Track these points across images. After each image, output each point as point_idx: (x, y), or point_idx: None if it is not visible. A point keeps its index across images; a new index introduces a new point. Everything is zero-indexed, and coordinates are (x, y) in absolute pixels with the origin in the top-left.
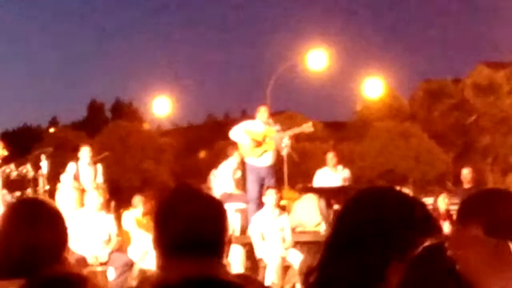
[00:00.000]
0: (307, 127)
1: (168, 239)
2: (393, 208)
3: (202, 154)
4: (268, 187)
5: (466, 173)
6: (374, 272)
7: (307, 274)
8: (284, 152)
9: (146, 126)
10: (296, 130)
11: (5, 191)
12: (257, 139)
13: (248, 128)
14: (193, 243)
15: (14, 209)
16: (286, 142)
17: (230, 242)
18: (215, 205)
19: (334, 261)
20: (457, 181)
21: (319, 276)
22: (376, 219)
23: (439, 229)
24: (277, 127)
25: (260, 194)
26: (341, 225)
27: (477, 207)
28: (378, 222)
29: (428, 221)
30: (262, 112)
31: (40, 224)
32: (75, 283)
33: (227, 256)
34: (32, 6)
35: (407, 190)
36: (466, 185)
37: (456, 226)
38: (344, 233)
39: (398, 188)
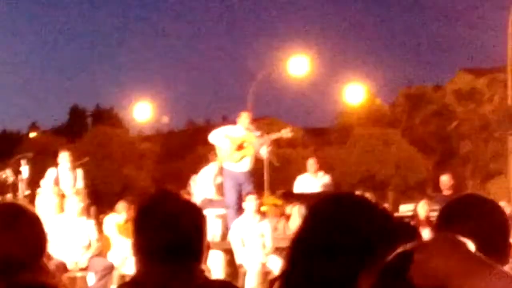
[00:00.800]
0: (286, 133)
1: (147, 244)
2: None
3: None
4: (247, 193)
5: (445, 179)
6: (342, 282)
7: (271, 282)
8: (264, 157)
9: (126, 131)
10: (274, 136)
11: None
12: (236, 143)
13: (227, 133)
14: (172, 248)
15: None
16: (265, 149)
17: (209, 248)
18: (193, 210)
19: (299, 269)
20: (437, 187)
21: (282, 284)
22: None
23: (410, 239)
24: (258, 133)
25: (239, 200)
26: (306, 232)
27: (456, 213)
28: (346, 229)
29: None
30: (244, 118)
31: (17, 228)
32: None
33: (206, 261)
34: (14, 11)
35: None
36: (446, 192)
37: (435, 232)
38: (310, 239)
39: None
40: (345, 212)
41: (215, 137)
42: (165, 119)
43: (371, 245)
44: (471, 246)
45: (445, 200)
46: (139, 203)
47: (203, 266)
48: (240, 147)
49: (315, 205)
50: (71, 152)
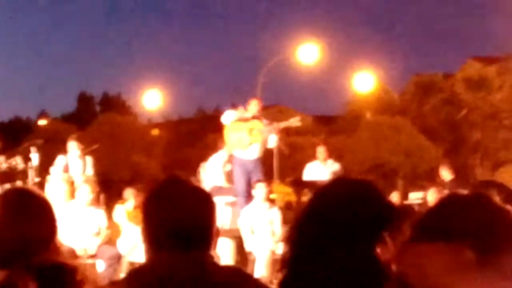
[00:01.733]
0: (295, 121)
1: (156, 231)
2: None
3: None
4: (257, 181)
5: (442, 169)
6: (345, 268)
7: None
8: (272, 146)
9: (136, 119)
10: (283, 124)
11: None
12: (247, 127)
13: (238, 116)
14: (181, 234)
15: (3, 198)
16: (274, 137)
17: (218, 234)
18: (203, 196)
19: (303, 257)
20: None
21: (289, 273)
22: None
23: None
24: (266, 121)
25: (248, 188)
26: (308, 220)
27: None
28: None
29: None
30: (253, 105)
31: (29, 213)
32: (67, 270)
33: (215, 247)
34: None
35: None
36: (448, 177)
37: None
38: (312, 228)
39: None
40: (349, 195)
41: (228, 117)
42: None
43: (373, 227)
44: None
45: (453, 185)
46: (149, 190)
47: (212, 253)
48: (249, 132)
49: (320, 190)
50: (81, 140)
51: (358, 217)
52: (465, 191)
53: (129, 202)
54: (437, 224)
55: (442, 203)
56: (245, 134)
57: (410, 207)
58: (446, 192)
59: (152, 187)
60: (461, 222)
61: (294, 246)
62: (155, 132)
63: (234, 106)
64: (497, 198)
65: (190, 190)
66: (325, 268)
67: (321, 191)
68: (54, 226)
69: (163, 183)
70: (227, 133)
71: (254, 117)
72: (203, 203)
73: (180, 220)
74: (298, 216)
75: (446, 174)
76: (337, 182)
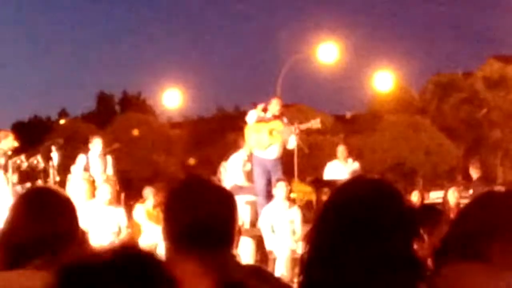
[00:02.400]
0: (315, 123)
1: (177, 230)
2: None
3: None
4: (278, 180)
5: (471, 168)
6: (363, 273)
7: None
8: (292, 147)
9: (155, 118)
10: (304, 126)
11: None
12: (268, 128)
13: (260, 116)
14: (203, 233)
15: (25, 197)
16: (294, 138)
17: (240, 233)
18: (224, 195)
19: (320, 261)
20: (467, 175)
21: (307, 277)
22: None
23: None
24: (285, 120)
25: (268, 187)
26: (326, 224)
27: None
28: (367, 220)
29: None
30: (274, 105)
31: (51, 211)
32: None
33: (236, 247)
34: None
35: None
36: (475, 176)
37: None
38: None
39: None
40: (369, 195)
41: (252, 117)
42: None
43: (392, 227)
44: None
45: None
46: (169, 189)
47: (234, 252)
48: (270, 133)
49: (338, 189)
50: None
51: (376, 217)
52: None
53: (149, 201)
54: (483, 223)
55: (482, 202)
56: (265, 135)
57: (433, 206)
58: (470, 191)
59: (173, 186)
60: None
61: (313, 247)
62: (175, 131)
63: (254, 105)
64: None
65: (211, 189)
66: (345, 270)
67: (339, 190)
68: (77, 224)
69: (184, 182)
70: (248, 133)
71: (275, 117)
72: (224, 202)
73: (201, 219)
74: (317, 215)
75: (474, 172)
76: (355, 181)
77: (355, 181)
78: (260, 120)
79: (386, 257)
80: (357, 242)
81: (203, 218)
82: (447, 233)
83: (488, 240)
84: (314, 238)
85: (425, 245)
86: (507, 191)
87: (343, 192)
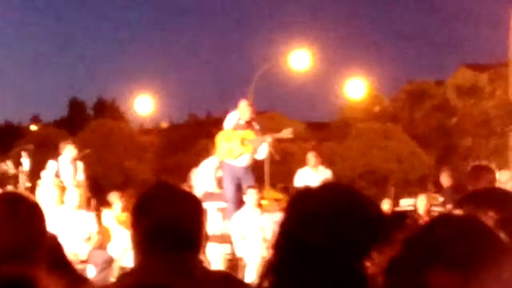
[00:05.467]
0: (287, 133)
1: (145, 235)
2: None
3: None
4: (249, 187)
5: (442, 176)
6: (330, 274)
7: (261, 279)
8: (262, 157)
9: (127, 124)
10: (275, 136)
11: None
12: (239, 137)
13: (234, 124)
14: (170, 238)
15: None
16: (265, 148)
17: (207, 238)
18: (192, 201)
19: (287, 264)
20: (439, 182)
21: (274, 280)
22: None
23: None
24: (258, 126)
25: (238, 194)
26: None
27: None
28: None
29: (380, 223)
30: (244, 110)
31: (19, 218)
32: (17, 284)
33: (204, 252)
34: (13, 4)
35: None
36: (446, 184)
37: None
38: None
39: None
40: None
41: (229, 123)
42: (164, 125)
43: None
44: None
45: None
46: (138, 194)
47: (202, 257)
48: (241, 142)
49: (298, 194)
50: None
51: (341, 225)
52: (457, 212)
53: (116, 206)
54: (426, 248)
55: (433, 226)
56: (237, 144)
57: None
58: (442, 199)
59: (141, 192)
60: (450, 248)
61: (276, 253)
62: (147, 137)
63: (226, 112)
64: (492, 216)
65: (178, 195)
66: (304, 278)
67: (303, 196)
68: (44, 231)
69: (152, 188)
70: (219, 142)
71: (247, 124)
72: (192, 207)
73: (168, 224)
74: (281, 221)
75: (445, 180)
76: (321, 188)
77: (319, 189)
78: (235, 128)
79: (328, 276)
80: (309, 251)
81: (170, 222)
82: (397, 252)
83: (428, 267)
84: (276, 244)
85: (381, 258)
86: (466, 216)
87: (305, 200)
